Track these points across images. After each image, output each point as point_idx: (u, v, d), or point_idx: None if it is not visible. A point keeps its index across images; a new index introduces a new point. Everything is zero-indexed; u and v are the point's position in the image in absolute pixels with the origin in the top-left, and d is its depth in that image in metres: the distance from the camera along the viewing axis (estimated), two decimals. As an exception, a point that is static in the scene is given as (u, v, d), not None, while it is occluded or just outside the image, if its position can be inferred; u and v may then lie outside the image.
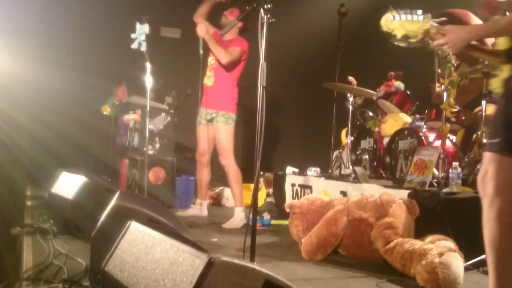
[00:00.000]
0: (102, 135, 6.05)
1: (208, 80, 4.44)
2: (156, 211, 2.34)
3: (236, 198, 4.42)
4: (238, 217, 4.27)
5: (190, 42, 4.34)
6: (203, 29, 4.30)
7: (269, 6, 2.15)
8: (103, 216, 2.29)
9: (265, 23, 2.14)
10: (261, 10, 2.14)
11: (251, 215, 2.53)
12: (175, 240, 1.52)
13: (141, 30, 3.67)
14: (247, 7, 2.19)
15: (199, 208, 4.63)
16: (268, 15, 2.14)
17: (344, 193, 3.88)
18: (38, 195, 4.61)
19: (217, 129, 4.39)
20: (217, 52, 4.26)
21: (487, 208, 1.90)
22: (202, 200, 4.66)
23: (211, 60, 4.47)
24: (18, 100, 5.39)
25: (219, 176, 5.25)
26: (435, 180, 3.64)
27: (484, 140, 3.83)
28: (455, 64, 3.76)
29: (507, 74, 1.92)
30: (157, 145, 5.12)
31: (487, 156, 1.91)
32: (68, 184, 3.50)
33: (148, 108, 3.91)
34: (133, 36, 3.69)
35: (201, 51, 4.32)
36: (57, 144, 5.49)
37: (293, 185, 4.72)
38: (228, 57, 4.25)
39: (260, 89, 2.19)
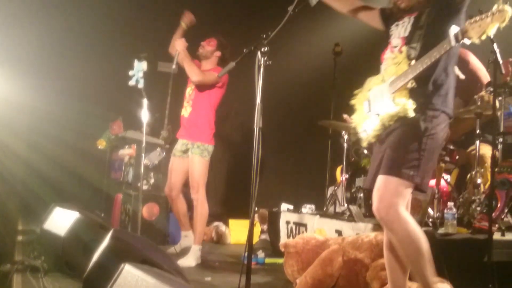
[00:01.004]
0: (97, 169, 6.03)
1: (185, 111, 4.36)
2: (150, 251, 2.32)
3: (196, 235, 4.25)
4: (194, 255, 4.14)
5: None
6: (182, 44, 4.20)
7: (266, 49, 2.18)
8: (96, 256, 2.26)
9: (262, 66, 2.17)
10: (258, 52, 2.17)
11: (246, 253, 2.50)
12: (169, 286, 1.50)
13: (139, 67, 3.70)
14: (244, 50, 2.22)
15: (186, 240, 4.49)
16: (265, 58, 2.18)
17: (339, 232, 3.86)
18: (30, 229, 4.56)
19: (191, 161, 4.25)
20: (190, 69, 4.16)
21: None
22: (186, 231, 4.51)
23: (189, 91, 4.40)
24: (14, 128, 5.40)
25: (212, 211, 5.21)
26: (430, 220, 3.63)
27: (478, 180, 3.85)
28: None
29: None
30: (152, 180, 5.11)
31: None
32: (61, 220, 3.46)
33: (144, 144, 3.90)
34: (130, 73, 3.72)
35: (173, 66, 4.15)
36: (51, 176, 5.47)
37: (287, 222, 4.69)
38: (199, 76, 4.16)
39: (256, 130, 2.20)
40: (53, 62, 5.80)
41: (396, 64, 2.34)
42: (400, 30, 2.44)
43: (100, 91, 5.88)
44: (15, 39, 5.46)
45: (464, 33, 2.04)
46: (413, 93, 2.27)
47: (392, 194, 2.22)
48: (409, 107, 2.25)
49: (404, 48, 2.34)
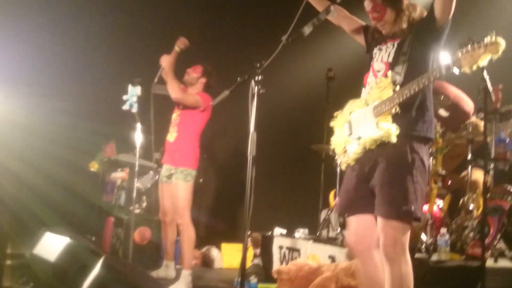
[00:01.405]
0: (89, 191, 5.97)
1: (170, 136, 4.38)
2: (141, 279, 2.29)
3: (185, 260, 4.20)
4: (184, 281, 4.08)
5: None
6: (167, 60, 4.24)
7: (259, 77, 2.20)
8: (86, 285, 2.22)
9: (255, 94, 2.18)
10: (252, 81, 2.19)
11: (239, 279, 2.48)
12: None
13: (133, 92, 3.72)
14: (238, 78, 2.24)
15: (165, 270, 4.44)
16: (259, 86, 2.19)
17: (332, 258, 3.84)
18: (19, 253, 4.48)
19: (175, 186, 4.23)
20: (171, 85, 4.18)
21: None
22: (168, 261, 4.48)
23: (174, 116, 4.42)
24: (7, 146, 5.37)
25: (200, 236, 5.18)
26: (423, 246, 3.62)
27: (471, 206, 3.86)
28: (441, 131, 3.83)
29: None
30: (144, 204, 5.07)
31: None
32: (51, 245, 3.41)
33: (137, 168, 3.89)
34: (124, 97, 3.74)
35: (155, 80, 4.21)
36: (41, 198, 5.41)
37: (280, 247, 4.66)
38: (179, 93, 4.19)
39: (249, 159, 2.21)
40: (48, 81, 5.78)
41: (380, 89, 2.36)
42: (384, 55, 2.46)
43: (94, 113, 5.87)
44: (10, 57, 5.47)
45: (455, 62, 2.05)
46: (396, 119, 2.29)
47: (399, 233, 2.24)
48: (392, 132, 2.26)
49: (390, 73, 2.36)
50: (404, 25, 2.40)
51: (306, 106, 6.19)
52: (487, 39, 1.97)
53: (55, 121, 5.61)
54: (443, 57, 2.14)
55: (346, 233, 2.48)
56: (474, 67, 2.01)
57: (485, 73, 3.33)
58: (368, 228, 2.39)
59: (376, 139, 2.30)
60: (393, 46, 2.44)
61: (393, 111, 2.28)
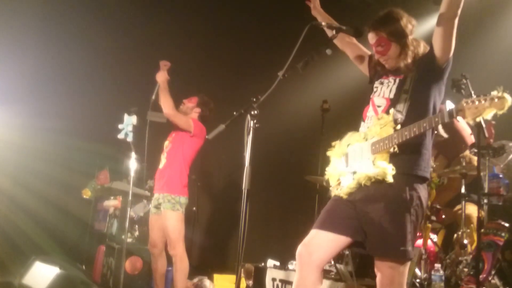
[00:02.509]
0: (81, 216, 5.91)
1: (161, 163, 4.37)
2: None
3: None
4: None
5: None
6: (162, 76, 4.22)
7: (255, 112, 2.21)
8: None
9: (251, 128, 2.19)
10: (248, 116, 2.20)
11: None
12: None
13: (129, 121, 3.73)
14: (234, 112, 2.25)
15: None
16: (255, 121, 2.20)
17: (326, 292, 3.79)
18: (8, 281, 4.40)
19: (164, 216, 4.15)
20: (165, 101, 4.15)
21: None
22: None
23: (166, 143, 4.43)
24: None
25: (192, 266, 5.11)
26: (417, 281, 3.59)
27: (465, 241, 3.85)
28: (434, 165, 3.85)
29: None
30: (136, 233, 5.01)
31: None
32: (41, 275, 3.38)
33: (130, 197, 3.86)
34: (120, 126, 3.74)
35: (153, 97, 4.19)
36: (33, 221, 5.37)
37: (274, 279, 4.60)
38: (172, 110, 4.16)
39: (244, 193, 2.20)
40: (43, 101, 5.74)
41: (381, 125, 2.33)
42: (385, 90, 2.43)
43: (89, 134, 5.81)
44: (5, 77, 5.48)
45: (458, 111, 2.01)
46: (394, 158, 2.26)
47: (396, 272, 2.25)
48: (388, 172, 2.23)
49: (391, 111, 2.33)
50: (409, 60, 2.38)
51: (301, 138, 6.22)
52: (493, 93, 1.94)
53: (49, 141, 5.59)
54: (447, 104, 2.11)
55: (303, 240, 2.41)
56: (478, 119, 1.99)
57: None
58: (328, 247, 2.35)
59: (371, 176, 2.27)
60: (395, 82, 2.42)
61: (391, 150, 2.25)
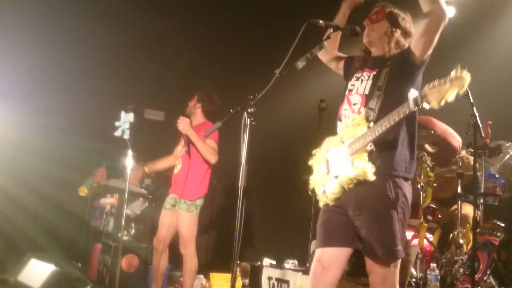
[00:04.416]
0: (78, 213, 5.89)
1: (176, 169, 4.40)
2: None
3: None
4: None
5: (173, 125, 4.39)
6: (183, 124, 4.20)
7: (252, 109, 2.20)
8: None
9: (248, 126, 2.19)
10: (245, 113, 2.20)
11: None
12: None
13: (126, 119, 3.70)
14: (231, 110, 2.25)
15: None
16: (251, 118, 2.20)
17: (321, 290, 3.78)
18: (3, 278, 4.39)
19: (179, 216, 4.22)
20: (205, 151, 4.19)
21: None
22: None
23: (179, 148, 4.44)
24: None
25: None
26: (413, 280, 3.60)
27: (461, 241, 3.86)
28: (431, 165, 3.86)
29: None
30: (132, 231, 5.00)
31: None
32: (36, 272, 3.37)
33: (126, 195, 3.85)
34: (117, 124, 3.72)
35: (186, 148, 4.23)
36: (30, 218, 5.36)
37: (269, 278, 4.60)
38: (214, 155, 4.21)
39: (240, 190, 2.20)
40: (40, 99, 5.74)
41: (354, 126, 2.31)
42: (359, 87, 2.43)
43: (87, 131, 5.81)
44: (3, 74, 5.47)
45: (423, 97, 2.00)
46: (374, 157, 2.25)
47: (388, 271, 2.27)
48: (368, 170, 2.21)
49: (363, 110, 2.32)
50: (387, 48, 2.41)
51: (298, 137, 6.22)
52: (452, 74, 1.92)
53: (46, 138, 5.58)
54: (412, 92, 2.08)
55: (316, 257, 2.38)
56: (442, 103, 1.95)
57: (475, 110, 3.38)
58: (339, 261, 2.35)
59: (352, 177, 2.24)
60: (369, 77, 2.42)
61: (368, 148, 2.24)
